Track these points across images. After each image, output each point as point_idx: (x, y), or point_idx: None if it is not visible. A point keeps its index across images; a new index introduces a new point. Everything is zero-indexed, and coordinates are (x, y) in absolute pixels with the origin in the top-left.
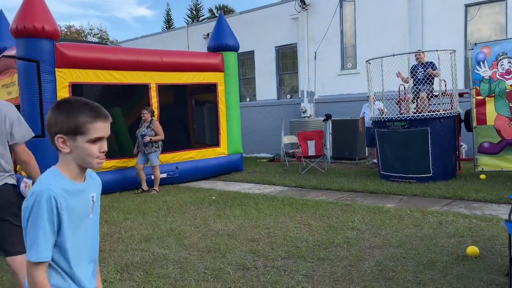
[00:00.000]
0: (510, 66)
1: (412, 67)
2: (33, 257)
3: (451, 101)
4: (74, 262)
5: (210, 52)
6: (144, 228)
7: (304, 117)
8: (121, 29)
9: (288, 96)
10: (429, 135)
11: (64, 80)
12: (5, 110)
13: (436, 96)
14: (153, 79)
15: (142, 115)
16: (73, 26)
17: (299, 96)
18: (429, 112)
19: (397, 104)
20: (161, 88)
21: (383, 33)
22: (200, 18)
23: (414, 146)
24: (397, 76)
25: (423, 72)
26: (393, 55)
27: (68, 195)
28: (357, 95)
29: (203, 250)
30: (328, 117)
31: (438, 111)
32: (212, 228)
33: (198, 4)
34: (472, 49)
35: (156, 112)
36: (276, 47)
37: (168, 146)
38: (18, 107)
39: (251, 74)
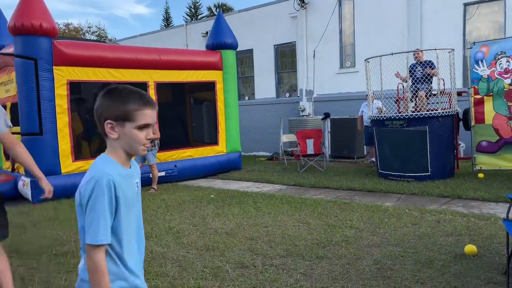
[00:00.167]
0: (508, 65)
1: (410, 66)
2: (94, 240)
3: (450, 100)
4: (125, 247)
5: (209, 50)
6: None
7: (303, 115)
8: (120, 27)
9: (287, 94)
10: (427, 134)
11: (62, 78)
12: None
13: (434, 95)
14: (151, 77)
15: None
16: (71, 24)
17: (298, 95)
18: (427, 111)
19: (395, 102)
20: (160, 86)
21: (382, 31)
22: (199, 16)
23: (412, 145)
24: (396, 76)
25: (421, 71)
26: (392, 54)
27: (123, 179)
28: (355, 93)
29: (202, 248)
30: (326, 115)
31: (436, 110)
32: (211, 227)
33: (197, 2)
34: (471, 48)
35: None
36: (275, 45)
37: (167, 144)
38: (16, 105)
39: (250, 73)
